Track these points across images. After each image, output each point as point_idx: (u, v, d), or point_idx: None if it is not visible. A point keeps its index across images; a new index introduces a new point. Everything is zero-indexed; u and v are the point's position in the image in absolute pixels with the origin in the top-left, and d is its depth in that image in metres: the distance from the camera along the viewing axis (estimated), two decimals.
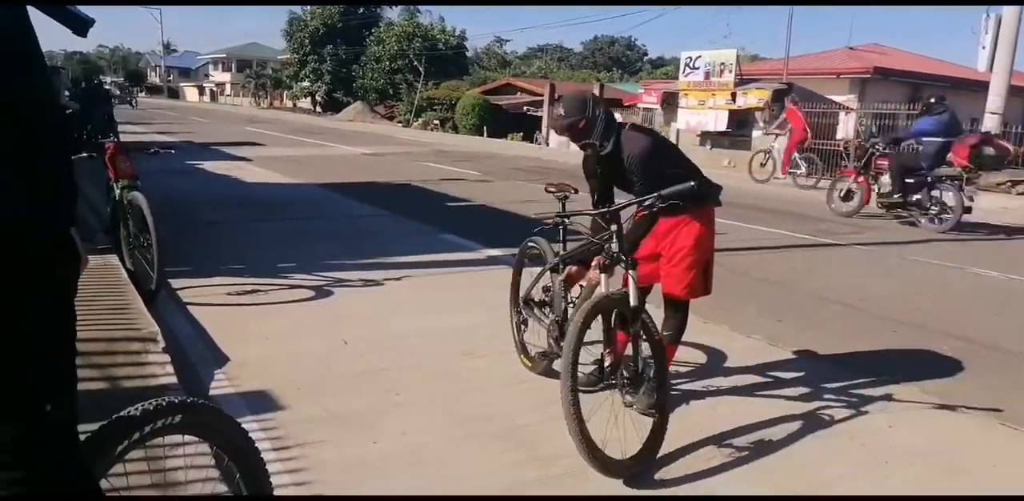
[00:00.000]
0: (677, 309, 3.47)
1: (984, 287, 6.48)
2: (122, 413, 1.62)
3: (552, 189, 3.71)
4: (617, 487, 2.73)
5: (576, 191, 3.65)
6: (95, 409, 2.81)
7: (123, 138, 17.83)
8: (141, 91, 53.90)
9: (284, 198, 10.19)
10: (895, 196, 9.79)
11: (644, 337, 3.00)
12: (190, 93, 75.85)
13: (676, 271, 3.37)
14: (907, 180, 9.74)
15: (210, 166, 13.47)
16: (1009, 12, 14.59)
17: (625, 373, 3.07)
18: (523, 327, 3.89)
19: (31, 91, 1.15)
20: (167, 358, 3.52)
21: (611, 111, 3.31)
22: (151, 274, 4.66)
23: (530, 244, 3.89)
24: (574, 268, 3.48)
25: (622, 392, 3.02)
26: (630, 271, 2.95)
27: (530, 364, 3.77)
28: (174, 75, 77.00)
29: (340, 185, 11.58)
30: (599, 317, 2.95)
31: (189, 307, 4.73)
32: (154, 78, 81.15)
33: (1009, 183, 13.84)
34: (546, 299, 3.68)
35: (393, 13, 44.71)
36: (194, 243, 6.61)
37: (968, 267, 7.11)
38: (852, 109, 17.95)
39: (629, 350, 3.02)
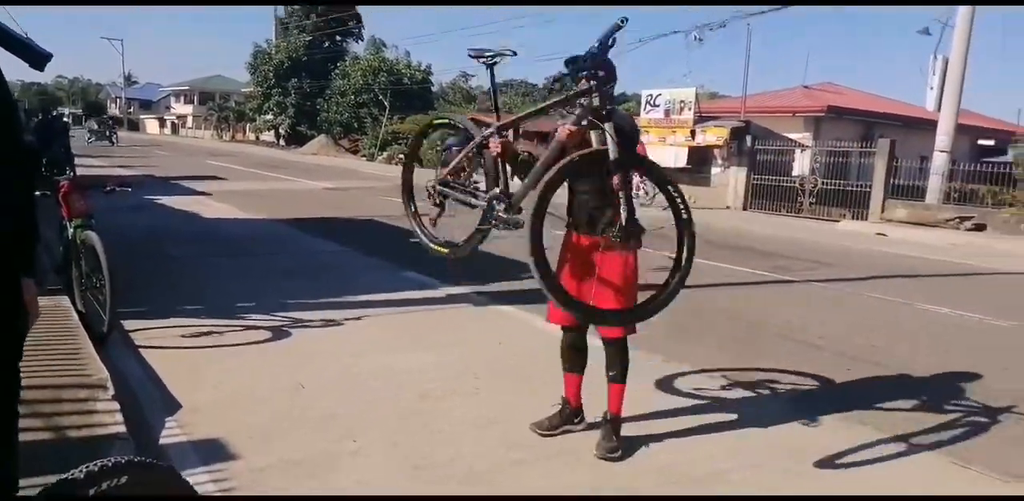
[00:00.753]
0: (617, 347, 3.44)
1: (934, 323, 6.63)
2: (65, 476, 1.57)
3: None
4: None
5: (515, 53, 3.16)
6: (40, 460, 2.73)
7: (81, 171, 17.56)
8: (119, 126, 48.74)
9: (244, 234, 10.08)
10: None
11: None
12: (151, 125, 75.15)
13: (608, 307, 3.28)
14: None
15: (169, 201, 13.29)
16: (955, 54, 15.25)
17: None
18: (440, 212, 3.45)
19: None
20: (116, 406, 3.42)
21: None
22: (103, 316, 4.55)
23: (440, 120, 3.55)
24: (509, 139, 3.15)
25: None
26: (606, 125, 2.70)
27: (447, 250, 3.42)
28: (135, 107, 76.21)
29: (301, 220, 11.50)
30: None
31: (142, 350, 4.62)
32: (114, 110, 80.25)
33: (958, 219, 14.28)
34: (471, 183, 3.36)
35: (359, 47, 45.06)
36: (149, 282, 6.48)
37: (919, 303, 7.28)
38: (807, 146, 18.45)
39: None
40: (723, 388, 4.42)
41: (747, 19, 19.48)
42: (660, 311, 3.00)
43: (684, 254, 3.03)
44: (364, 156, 35.01)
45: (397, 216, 12.54)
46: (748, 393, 4.35)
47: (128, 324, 5.07)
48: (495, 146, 3.07)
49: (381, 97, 36.66)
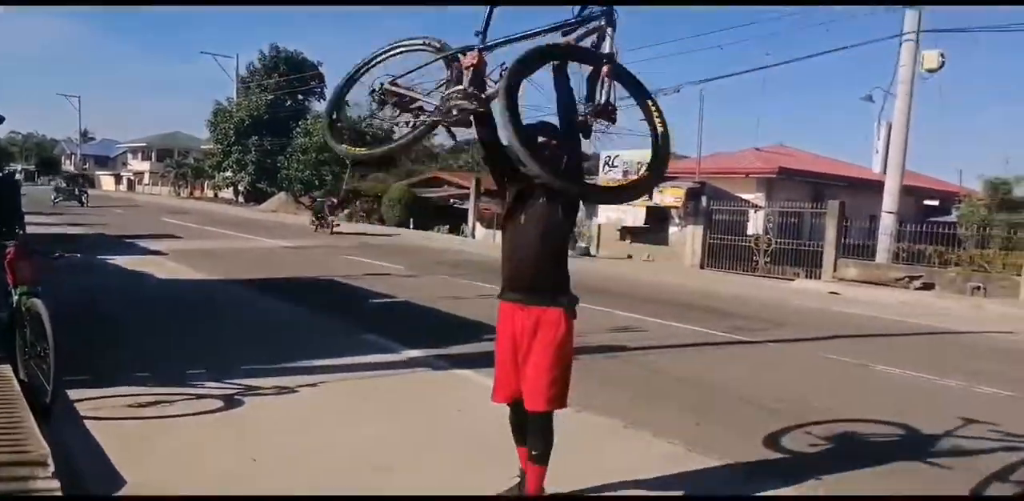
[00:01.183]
0: (542, 422, 3.24)
1: (890, 385, 6.73)
2: None
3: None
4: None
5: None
6: None
7: (32, 230, 17.17)
8: (87, 186, 43.57)
9: (198, 296, 9.89)
10: None
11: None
12: (106, 182, 74.31)
13: (538, 382, 3.15)
14: None
15: (122, 261, 13.01)
16: (898, 120, 15.99)
17: None
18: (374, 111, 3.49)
19: None
20: (56, 484, 3.26)
21: None
22: (47, 386, 4.37)
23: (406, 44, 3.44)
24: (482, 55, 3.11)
25: None
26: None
27: (365, 150, 3.54)
28: (90, 163, 75.34)
29: (258, 281, 11.34)
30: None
31: (87, 422, 4.44)
32: (69, 166, 79.24)
33: (907, 278, 14.69)
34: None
35: (322, 106, 45.50)
36: (97, 348, 6.28)
37: (874, 364, 7.40)
38: (761, 207, 18.99)
39: None
40: (682, 455, 4.39)
41: (700, 85, 20.31)
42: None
43: (657, 162, 3.19)
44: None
45: (358, 276, 12.52)
46: (708, 462, 4.32)
47: (73, 393, 4.88)
48: (471, 57, 3.03)
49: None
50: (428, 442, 4.42)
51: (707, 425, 5.11)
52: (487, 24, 3.12)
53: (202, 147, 53.71)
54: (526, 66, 2.92)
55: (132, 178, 71.59)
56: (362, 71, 3.46)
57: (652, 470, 4.10)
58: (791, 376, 6.87)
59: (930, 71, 15.46)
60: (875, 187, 17.21)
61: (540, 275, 3.17)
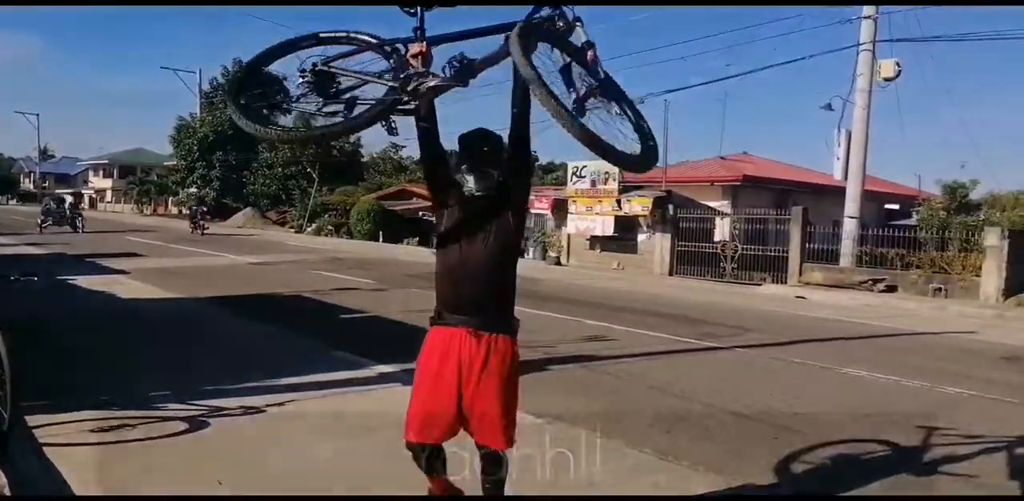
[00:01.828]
0: (500, 457, 2.96)
1: (855, 387, 6.84)
2: None
3: None
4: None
5: None
6: None
7: None
8: (83, 207, 39.29)
9: (161, 315, 9.73)
10: None
11: None
12: (66, 200, 72.79)
13: (498, 421, 2.88)
14: None
15: (83, 281, 12.75)
16: (857, 127, 16.34)
17: None
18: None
19: None
20: None
21: None
22: (3, 414, 4.25)
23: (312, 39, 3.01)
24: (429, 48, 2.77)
25: None
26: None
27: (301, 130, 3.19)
28: (50, 181, 73.82)
29: (223, 298, 11.19)
30: None
31: (46, 449, 4.32)
32: (28, 185, 77.59)
33: (871, 281, 14.96)
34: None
35: (288, 120, 45.15)
36: (57, 372, 6.13)
37: (839, 367, 7.51)
38: (727, 214, 19.22)
39: None
40: (653, 463, 4.40)
41: (664, 96, 20.57)
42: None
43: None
44: (292, 228, 34.63)
45: (327, 291, 12.41)
46: (678, 469, 4.34)
47: (32, 420, 4.74)
48: (417, 47, 2.71)
49: (310, 169, 36.63)
50: (403, 458, 4.37)
51: (677, 433, 5.13)
52: (422, 21, 2.79)
53: (165, 163, 52.98)
54: (527, 33, 2.65)
55: (94, 196, 70.29)
56: (272, 59, 3.04)
57: (624, 479, 4.12)
58: (759, 381, 6.94)
59: (887, 79, 15.86)
60: (838, 193, 17.55)
61: (492, 297, 2.91)
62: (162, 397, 5.51)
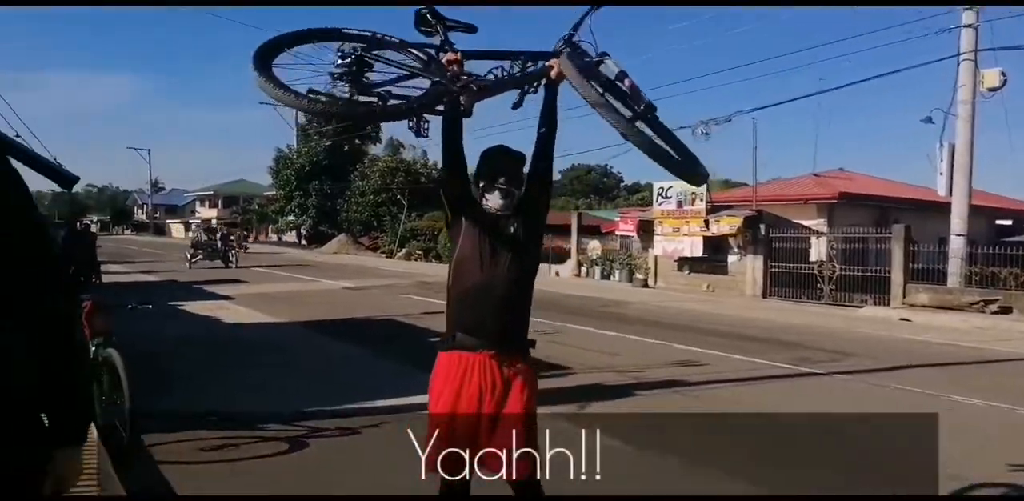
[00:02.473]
0: (537, 489, 2.75)
1: (965, 416, 6.46)
2: None
3: None
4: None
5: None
6: None
7: (108, 278, 17.99)
8: (237, 237, 34.10)
9: (263, 339, 10.17)
10: None
11: None
12: (176, 229, 77.19)
13: (518, 448, 2.67)
14: None
15: (192, 307, 13.48)
16: (961, 141, 15.56)
17: None
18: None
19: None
20: None
21: None
22: (123, 433, 4.57)
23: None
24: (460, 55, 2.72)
25: None
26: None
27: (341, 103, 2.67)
28: (161, 212, 78.71)
29: (320, 323, 11.60)
30: None
31: (160, 466, 4.60)
32: (141, 215, 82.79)
33: (982, 302, 14.12)
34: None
35: (378, 149, 46.80)
36: (169, 393, 6.51)
37: (947, 394, 7.11)
38: (822, 233, 18.57)
39: None
40: (747, 494, 4.29)
41: (752, 113, 20.19)
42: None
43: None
44: (384, 253, 35.59)
45: (416, 315, 12.68)
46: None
47: (148, 438, 5.05)
48: (452, 55, 2.68)
49: (399, 196, 37.68)
50: (488, 480, 4.42)
51: (770, 463, 4.97)
52: (446, 35, 2.74)
53: (265, 194, 55.55)
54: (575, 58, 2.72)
55: (201, 225, 74.37)
56: (292, 44, 2.71)
57: None
58: (857, 410, 6.65)
59: (991, 90, 15.07)
60: (942, 209, 16.68)
61: (515, 320, 2.77)
62: (264, 417, 5.76)
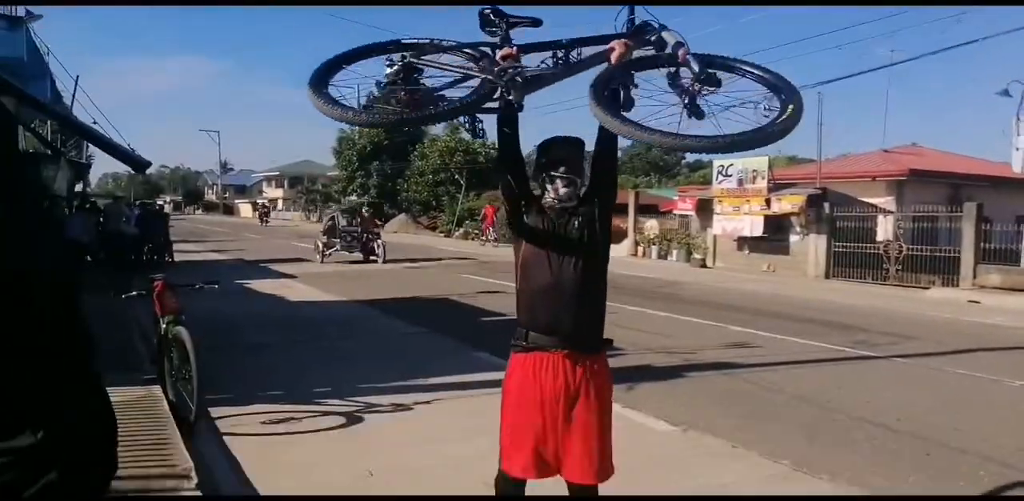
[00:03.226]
0: (593, 496, 2.73)
1: None
2: None
3: None
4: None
5: None
6: None
7: (179, 257, 18.76)
8: (378, 226, 35.10)
9: (325, 317, 10.52)
10: None
11: None
12: (244, 209, 79.44)
13: (587, 450, 2.62)
14: None
15: (257, 285, 13.99)
16: None
17: None
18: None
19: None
20: (199, 493, 3.64)
21: None
22: (191, 405, 4.87)
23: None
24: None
25: None
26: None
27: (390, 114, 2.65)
28: (230, 192, 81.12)
29: (379, 301, 11.91)
30: None
31: (225, 437, 4.89)
32: (211, 196, 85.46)
33: None
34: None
35: (437, 129, 47.10)
36: (233, 369, 6.84)
37: (1010, 380, 6.92)
38: (890, 212, 18.00)
39: None
40: (786, 475, 4.32)
41: (817, 87, 19.57)
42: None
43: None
44: (442, 232, 36.01)
45: (472, 294, 12.89)
46: (814, 482, 4.23)
47: (214, 411, 5.36)
48: (508, 51, 2.59)
49: (457, 176, 37.98)
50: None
51: (819, 445, 4.97)
52: (507, 32, 2.67)
53: (329, 174, 56.68)
54: (602, 82, 2.52)
55: (268, 204, 76.41)
56: (354, 60, 2.76)
57: (750, 489, 4.07)
58: (916, 394, 6.54)
59: None
60: (1019, 186, 15.96)
61: (588, 318, 2.69)
62: (323, 393, 6.04)
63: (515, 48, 2.62)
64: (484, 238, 29.29)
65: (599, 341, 2.74)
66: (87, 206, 17.74)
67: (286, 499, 3.85)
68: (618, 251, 23.90)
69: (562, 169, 2.73)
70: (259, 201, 48.44)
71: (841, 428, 5.42)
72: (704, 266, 20.32)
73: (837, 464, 4.54)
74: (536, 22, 2.76)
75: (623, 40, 2.58)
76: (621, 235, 24.49)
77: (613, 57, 2.57)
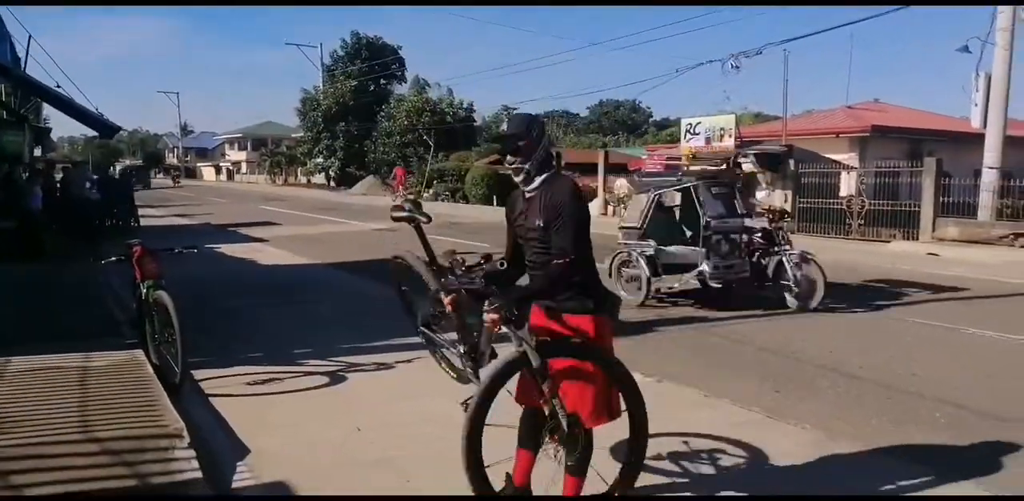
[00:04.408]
0: (576, 440, 2.94)
1: (980, 348, 6.61)
2: None
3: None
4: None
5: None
6: None
7: (144, 222, 18.48)
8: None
9: (299, 280, 10.53)
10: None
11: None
12: (207, 172, 78.04)
13: (571, 396, 2.92)
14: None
15: (228, 249, 13.89)
16: (998, 70, 15.12)
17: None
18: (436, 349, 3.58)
19: None
20: (192, 453, 3.72)
21: (552, 150, 3.11)
22: (175, 368, 4.92)
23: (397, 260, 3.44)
24: (459, 295, 2.97)
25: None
26: (517, 332, 2.84)
27: (455, 374, 3.47)
28: (191, 155, 79.42)
29: (352, 264, 11.93)
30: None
31: (211, 399, 4.97)
32: (172, 159, 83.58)
33: (1012, 236, 14.01)
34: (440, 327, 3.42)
35: (404, 88, 46.41)
36: (213, 332, 6.88)
37: (966, 327, 7.24)
38: (853, 168, 18.33)
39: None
40: (759, 421, 4.54)
41: (783, 45, 19.65)
42: None
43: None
44: (411, 194, 35.82)
45: (440, 255, 12.94)
46: (786, 427, 4.45)
47: (197, 374, 5.43)
48: (448, 302, 2.95)
49: (425, 136, 37.60)
50: (518, 410, 4.71)
51: (787, 393, 5.21)
52: (426, 246, 3.47)
53: (293, 135, 55.68)
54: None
55: (231, 168, 74.99)
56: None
57: (731, 435, 4.26)
58: (877, 342, 6.82)
59: None
60: (978, 141, 16.31)
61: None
62: (304, 354, 6.12)
63: (449, 299, 2.98)
64: (395, 196, 30.51)
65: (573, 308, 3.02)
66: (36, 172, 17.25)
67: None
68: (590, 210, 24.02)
69: (508, 160, 2.97)
70: (169, 164, 47.29)
71: (807, 377, 5.66)
72: None
73: (804, 411, 4.78)
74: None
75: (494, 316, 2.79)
76: (592, 194, 24.60)
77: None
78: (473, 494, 2.87)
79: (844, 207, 17.30)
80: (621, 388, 3.00)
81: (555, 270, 2.86)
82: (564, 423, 2.85)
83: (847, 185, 18.21)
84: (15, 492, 3.25)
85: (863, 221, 16.94)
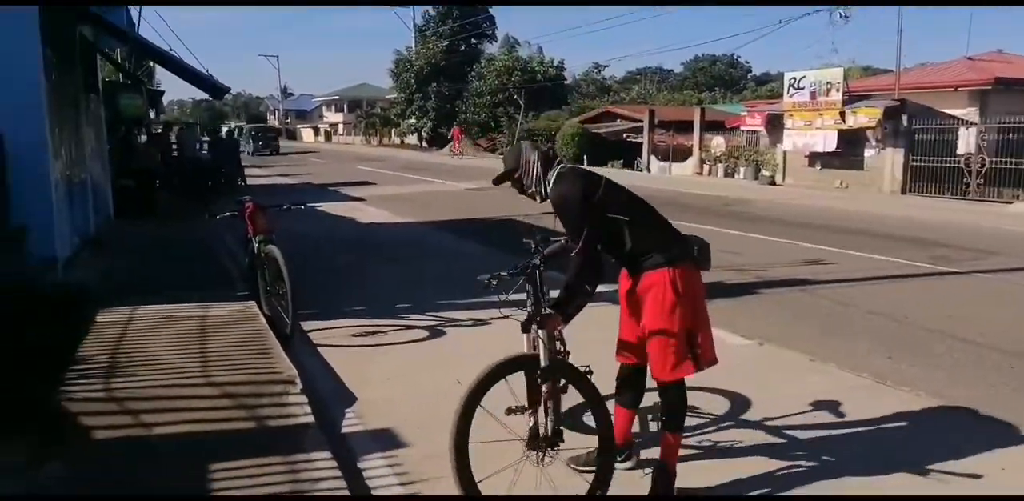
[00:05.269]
0: (665, 392, 3.15)
1: None
2: None
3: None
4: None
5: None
6: (244, 445, 3.23)
7: (250, 181, 19.26)
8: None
9: (397, 238, 10.78)
10: None
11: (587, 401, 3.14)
12: (306, 134, 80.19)
13: (652, 350, 3.09)
14: None
15: (329, 208, 14.30)
16: None
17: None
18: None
19: None
20: (305, 399, 3.92)
21: (550, 154, 3.25)
22: (286, 319, 5.15)
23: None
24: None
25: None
26: (538, 330, 3.06)
27: None
28: (291, 117, 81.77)
29: (447, 223, 12.11)
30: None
31: (319, 349, 5.19)
32: (273, 121, 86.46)
33: None
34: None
35: (494, 48, 46.11)
36: (318, 286, 7.14)
37: None
38: (973, 123, 17.09)
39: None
40: (870, 386, 4.37)
41: None
42: None
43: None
44: (502, 154, 35.85)
45: (536, 215, 12.95)
46: (897, 393, 4.28)
47: (305, 325, 5.67)
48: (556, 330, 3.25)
49: (516, 96, 37.36)
50: (609, 359, 4.72)
51: (898, 359, 4.99)
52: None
53: (387, 97, 56.41)
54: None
55: (328, 129, 76.83)
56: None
57: (840, 400, 4.12)
58: (999, 308, 6.43)
59: None
60: None
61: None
62: (405, 309, 6.29)
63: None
64: (454, 154, 34.06)
65: (646, 265, 3.15)
66: (153, 135, 18.17)
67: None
68: (683, 170, 23.48)
69: (511, 184, 3.26)
70: (228, 126, 48.52)
71: (921, 342, 5.40)
72: (773, 183, 19.85)
73: (918, 377, 4.56)
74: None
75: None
76: (686, 153, 24.00)
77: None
78: (473, 494, 2.93)
79: (962, 166, 16.22)
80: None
81: (574, 261, 3.09)
82: (547, 430, 3.07)
83: (965, 142, 16.99)
84: (147, 431, 3.50)
85: (982, 181, 15.85)
